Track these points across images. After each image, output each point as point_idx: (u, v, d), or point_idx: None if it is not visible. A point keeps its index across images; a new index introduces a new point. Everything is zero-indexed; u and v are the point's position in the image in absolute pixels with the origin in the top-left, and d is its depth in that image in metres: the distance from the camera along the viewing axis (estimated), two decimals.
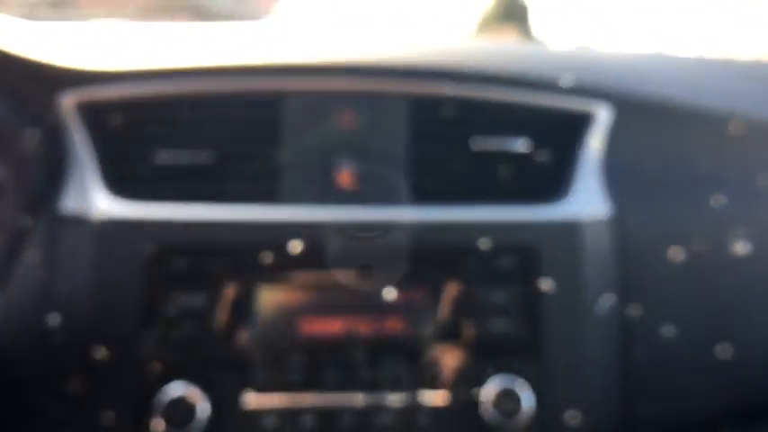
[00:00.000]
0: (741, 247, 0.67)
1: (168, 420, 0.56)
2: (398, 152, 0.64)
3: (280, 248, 0.60)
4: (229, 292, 0.59)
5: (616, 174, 0.67)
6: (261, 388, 0.58)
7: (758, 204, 0.70)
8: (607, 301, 0.63)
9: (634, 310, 0.63)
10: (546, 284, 0.61)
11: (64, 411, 0.58)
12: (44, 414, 0.58)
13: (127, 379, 0.57)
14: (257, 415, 0.57)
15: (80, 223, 0.60)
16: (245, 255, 0.60)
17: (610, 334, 0.63)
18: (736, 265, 0.67)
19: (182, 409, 0.56)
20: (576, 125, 0.67)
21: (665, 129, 0.70)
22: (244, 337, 0.59)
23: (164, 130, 0.63)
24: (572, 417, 0.60)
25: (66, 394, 0.58)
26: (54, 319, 0.58)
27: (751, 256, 0.67)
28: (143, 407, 0.57)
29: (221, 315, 0.59)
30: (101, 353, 0.57)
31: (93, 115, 0.63)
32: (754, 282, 0.67)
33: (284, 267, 0.60)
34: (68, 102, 0.63)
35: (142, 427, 0.57)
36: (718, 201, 0.68)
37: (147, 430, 0.56)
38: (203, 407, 0.56)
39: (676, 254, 0.65)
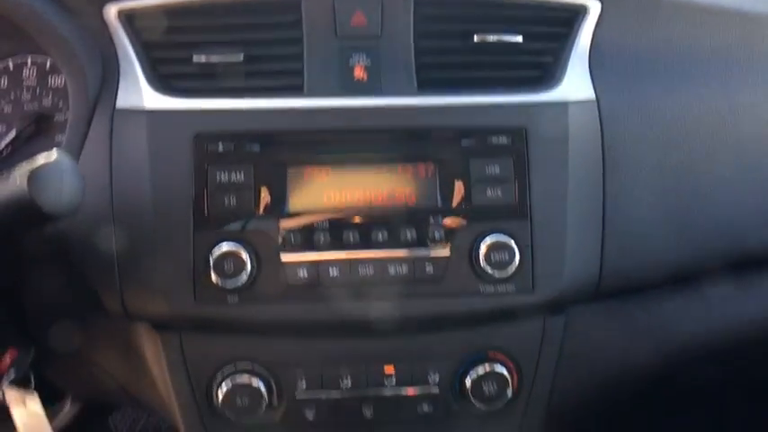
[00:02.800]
0: (716, 127, 0.77)
1: (221, 273, 0.68)
2: (406, 46, 0.73)
3: (304, 132, 0.71)
4: (263, 170, 0.70)
5: (601, 61, 0.76)
6: (294, 248, 0.69)
7: (735, 88, 0.79)
8: (589, 172, 0.73)
9: (613, 181, 0.74)
10: (536, 158, 0.71)
11: (128, 279, 0.70)
12: (110, 282, 0.70)
13: (183, 243, 0.68)
14: (292, 267, 0.69)
15: (132, 116, 0.70)
16: (274, 138, 0.70)
17: (592, 201, 0.73)
18: (711, 143, 0.76)
19: (231, 263, 0.67)
20: (568, 19, 0.76)
21: (647, 20, 0.78)
22: (277, 208, 0.70)
23: (198, 34, 0.73)
24: (554, 271, 0.71)
25: (129, 261, 0.69)
26: (118, 198, 0.69)
27: (726, 135, 0.77)
28: (198, 265, 0.68)
29: (257, 189, 0.69)
30: (159, 225, 0.69)
31: (135, 23, 0.73)
32: (727, 158, 0.77)
33: (309, 149, 0.71)
34: (112, 12, 0.72)
35: (199, 282, 0.68)
36: (695, 85, 0.78)
37: (203, 283, 0.68)
38: (248, 262, 0.68)
39: (653, 132, 0.75)
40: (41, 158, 0.55)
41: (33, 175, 0.54)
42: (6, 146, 0.78)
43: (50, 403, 0.91)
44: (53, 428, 0.85)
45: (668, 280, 0.77)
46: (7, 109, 0.80)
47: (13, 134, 0.78)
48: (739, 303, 0.82)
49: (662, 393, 1.06)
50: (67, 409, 0.89)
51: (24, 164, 0.56)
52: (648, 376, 0.85)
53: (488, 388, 0.74)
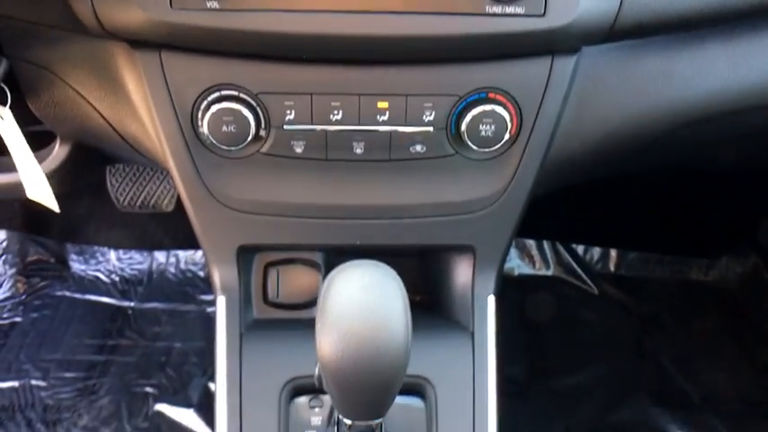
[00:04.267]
0: None
1: None
2: None
3: None
4: None
5: None
6: None
7: None
8: None
9: None
10: None
11: None
12: None
13: None
14: None
15: None
16: None
17: None
18: None
19: None
20: None
21: None
22: None
23: None
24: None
25: None
26: None
27: None
28: None
29: None
30: None
31: None
32: None
33: None
34: None
35: None
36: None
37: None
38: None
39: None
40: None
41: None
42: None
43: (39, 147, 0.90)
44: (43, 170, 0.84)
45: (689, 25, 0.70)
46: None
47: None
48: (760, 62, 0.76)
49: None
50: (56, 151, 0.87)
51: None
52: (648, 139, 0.81)
53: (485, 130, 0.71)
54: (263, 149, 0.73)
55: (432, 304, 0.89)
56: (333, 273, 0.55)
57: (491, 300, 0.82)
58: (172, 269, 1.90)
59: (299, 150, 0.72)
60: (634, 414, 1.57)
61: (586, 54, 0.71)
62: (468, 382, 0.77)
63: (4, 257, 1.85)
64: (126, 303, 1.82)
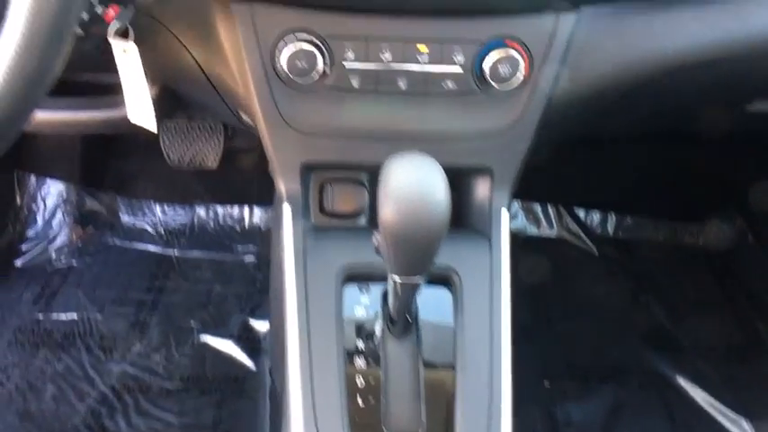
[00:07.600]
0: None
1: None
2: None
3: None
4: None
5: None
6: None
7: None
8: None
9: None
10: None
11: None
12: None
13: None
14: None
15: None
16: None
17: None
18: None
19: None
20: None
21: None
22: None
23: None
24: None
25: None
26: None
27: None
28: None
29: None
30: None
31: None
32: None
33: None
34: None
35: None
36: None
37: None
38: None
39: None
40: None
41: None
42: None
43: None
44: None
45: None
46: None
47: None
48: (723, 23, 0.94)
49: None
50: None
51: None
52: (634, 85, 0.99)
53: (503, 70, 0.90)
54: (327, 82, 0.92)
55: (458, 221, 1.08)
56: (390, 159, 0.73)
57: (504, 212, 1.00)
58: (211, 222, 2.10)
59: (355, 84, 0.91)
60: (627, 355, 1.75)
61: (584, 15, 0.90)
62: (487, 274, 0.96)
63: (63, 208, 2.05)
64: (170, 252, 2.02)
